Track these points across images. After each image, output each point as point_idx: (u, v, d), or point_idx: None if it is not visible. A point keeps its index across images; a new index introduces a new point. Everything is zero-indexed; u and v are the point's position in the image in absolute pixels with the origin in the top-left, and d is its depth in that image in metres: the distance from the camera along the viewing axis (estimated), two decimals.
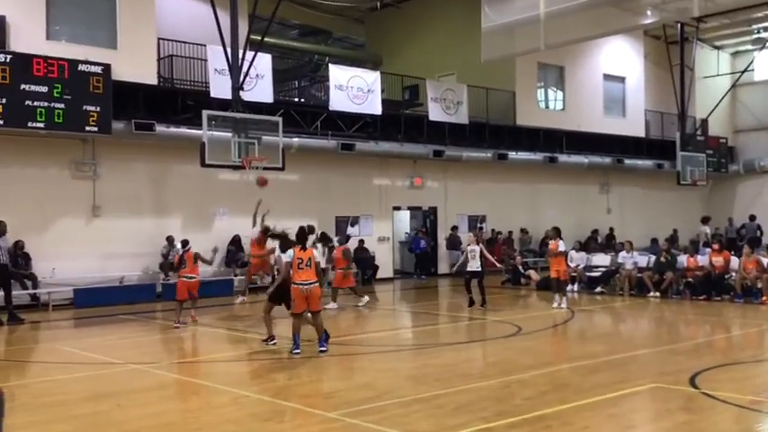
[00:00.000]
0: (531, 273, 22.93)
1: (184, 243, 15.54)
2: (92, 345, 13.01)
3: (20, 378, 10.45)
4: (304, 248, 11.40)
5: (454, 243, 25.78)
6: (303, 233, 11.76)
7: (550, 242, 17.66)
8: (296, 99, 26.54)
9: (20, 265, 17.58)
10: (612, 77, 31.38)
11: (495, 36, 21.80)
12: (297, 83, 27.65)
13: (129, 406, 8.48)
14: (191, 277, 15.07)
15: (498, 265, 19.00)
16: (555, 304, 16.87)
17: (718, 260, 18.67)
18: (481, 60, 22.47)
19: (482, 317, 16.00)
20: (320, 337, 11.33)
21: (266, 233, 16.38)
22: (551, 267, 17.44)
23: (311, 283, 11.16)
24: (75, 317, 17.16)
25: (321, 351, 11.19)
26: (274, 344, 12.30)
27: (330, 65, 23.87)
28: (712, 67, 34.45)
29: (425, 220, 27.38)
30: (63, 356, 11.89)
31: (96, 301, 18.01)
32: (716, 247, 19.50)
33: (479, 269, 17.00)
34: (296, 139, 21.33)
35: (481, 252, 17.14)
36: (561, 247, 17.19)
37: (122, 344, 13.37)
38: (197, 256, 15.24)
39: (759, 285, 17.62)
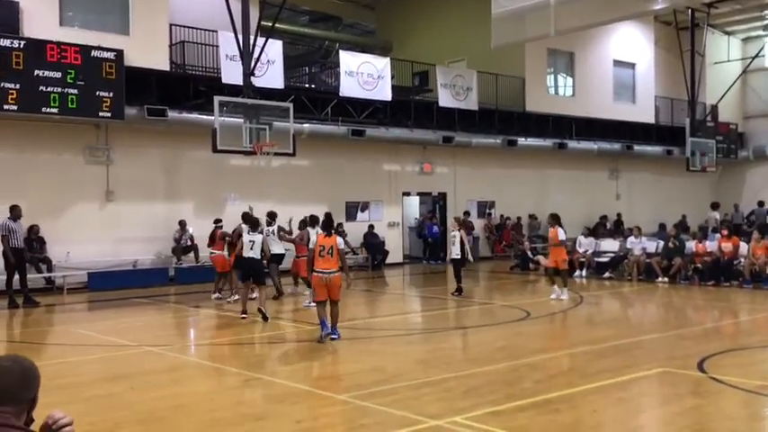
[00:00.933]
0: (540, 258, 22.75)
1: (217, 221, 17.45)
2: (105, 327, 13.15)
3: (35, 360, 10.26)
4: (329, 235, 11.13)
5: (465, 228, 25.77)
6: (329, 220, 11.66)
7: (550, 229, 16.29)
8: (307, 85, 26.58)
9: (35, 248, 17.77)
10: (622, 63, 31.25)
11: (505, 22, 21.69)
12: (307, 69, 27.64)
13: (143, 388, 8.59)
14: (211, 253, 16.88)
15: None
16: (553, 295, 15.72)
17: (728, 246, 18.68)
18: (491, 46, 22.35)
19: (490, 301, 16.08)
20: (334, 323, 11.20)
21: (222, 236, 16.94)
22: (550, 257, 16.26)
23: (332, 272, 10.90)
24: (89, 300, 17.38)
25: (332, 338, 11.12)
26: (244, 318, 13.36)
27: (341, 51, 23.87)
28: (723, 53, 34.21)
29: (435, 205, 27.44)
30: (77, 339, 12.04)
31: (110, 285, 18.21)
32: (725, 232, 19.50)
33: (458, 256, 16.65)
34: (307, 125, 21.40)
35: (461, 239, 16.72)
36: (561, 235, 15.91)
37: (136, 326, 13.52)
38: (224, 235, 16.46)
39: None
